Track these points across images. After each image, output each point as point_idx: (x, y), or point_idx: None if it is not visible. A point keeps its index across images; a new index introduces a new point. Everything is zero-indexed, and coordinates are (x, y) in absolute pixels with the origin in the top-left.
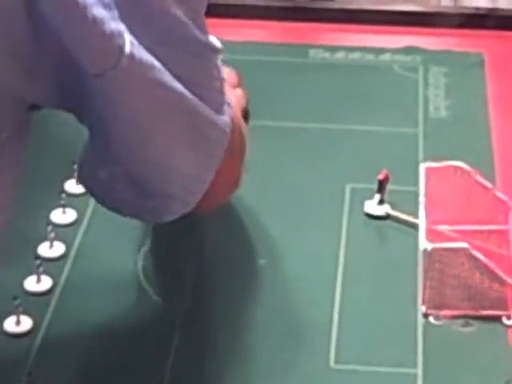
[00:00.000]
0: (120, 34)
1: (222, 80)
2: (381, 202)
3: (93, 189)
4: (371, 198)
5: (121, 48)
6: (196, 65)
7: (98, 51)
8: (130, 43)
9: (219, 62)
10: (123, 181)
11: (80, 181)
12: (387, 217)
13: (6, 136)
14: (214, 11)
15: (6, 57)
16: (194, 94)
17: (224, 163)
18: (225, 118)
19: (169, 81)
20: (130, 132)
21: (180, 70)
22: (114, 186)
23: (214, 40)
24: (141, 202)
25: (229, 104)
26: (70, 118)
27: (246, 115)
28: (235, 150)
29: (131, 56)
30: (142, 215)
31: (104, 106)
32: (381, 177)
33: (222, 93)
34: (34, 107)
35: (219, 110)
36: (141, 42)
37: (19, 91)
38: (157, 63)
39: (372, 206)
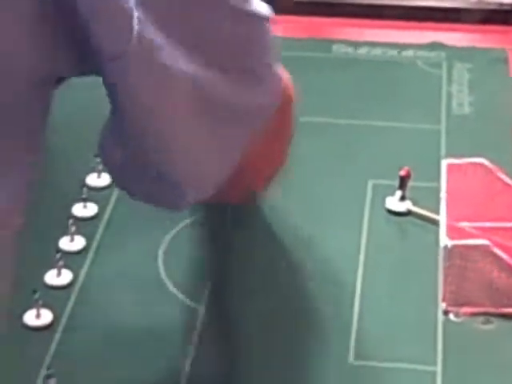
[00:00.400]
0: (131, 11)
1: (272, 50)
2: (402, 198)
3: (110, 168)
4: (393, 194)
5: (131, 27)
6: (245, 34)
7: (115, 27)
8: (137, 21)
9: (269, 31)
10: (137, 163)
11: (100, 158)
12: (408, 213)
13: (29, 109)
14: None
15: (27, 32)
16: (227, 69)
17: (266, 144)
18: (271, 95)
19: (179, 63)
20: (140, 115)
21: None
22: (129, 167)
23: (262, 7)
24: (154, 187)
25: (279, 78)
26: None
27: None
28: (280, 131)
29: (139, 36)
30: (155, 199)
31: (117, 91)
32: (402, 173)
33: (270, 64)
34: (59, 80)
35: (266, 85)
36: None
37: (42, 66)
38: (167, 46)
39: (393, 203)
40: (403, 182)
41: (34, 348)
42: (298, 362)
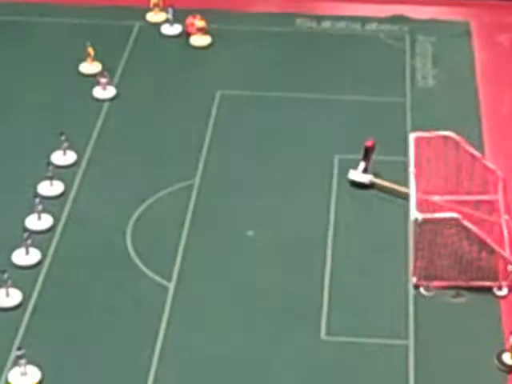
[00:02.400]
0: None
1: None
2: (365, 170)
3: None
4: (358, 166)
5: None
6: None
7: None
8: None
9: None
10: None
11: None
12: (372, 185)
13: None
14: None
15: None
16: None
17: None
18: None
19: None
20: None
21: None
22: None
23: None
24: None
25: None
26: None
27: None
28: None
29: None
30: None
31: None
32: (368, 143)
33: None
34: None
35: None
36: None
37: None
38: None
39: (356, 174)
40: (367, 154)
41: (4, 328)
42: (270, 337)
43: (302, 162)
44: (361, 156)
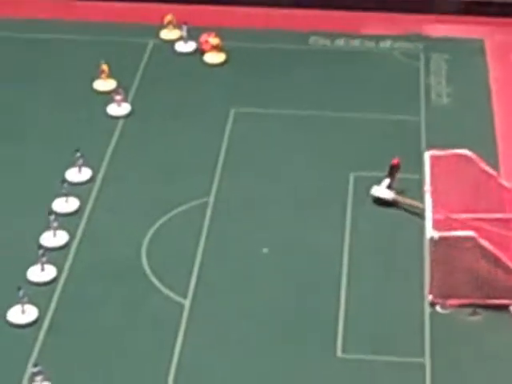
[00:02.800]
0: None
1: None
2: (389, 186)
3: None
4: (377, 184)
5: None
6: None
7: None
8: None
9: None
10: None
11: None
12: (394, 203)
13: None
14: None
15: None
16: None
17: None
18: None
19: None
20: None
21: None
22: None
23: None
24: None
25: None
26: None
27: None
28: None
29: None
30: None
31: None
32: (394, 162)
33: None
34: None
35: None
36: None
37: None
38: None
39: (380, 190)
40: (392, 171)
41: (20, 345)
42: (286, 356)
43: (317, 180)
44: (384, 173)
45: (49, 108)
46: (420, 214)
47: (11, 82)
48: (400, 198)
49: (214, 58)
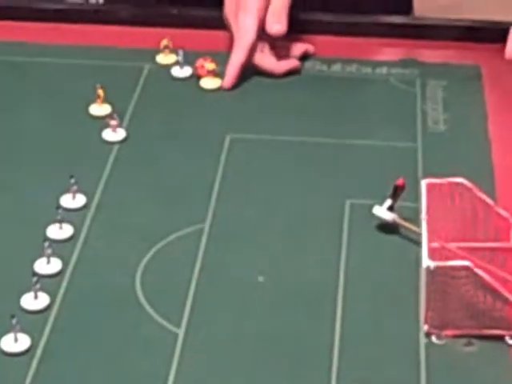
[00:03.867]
0: None
1: None
2: (391, 208)
3: None
4: (370, 212)
5: None
6: None
7: None
8: None
9: None
10: None
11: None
12: (393, 224)
13: None
14: (209, 24)
15: None
16: None
17: None
18: None
19: None
20: None
21: None
22: None
23: None
24: None
25: None
26: None
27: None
28: None
29: None
30: None
31: None
32: (399, 182)
33: None
34: None
35: None
36: None
37: None
38: None
39: (381, 210)
40: (396, 193)
41: (13, 373)
42: None
43: (313, 207)
44: (375, 203)
45: (43, 132)
46: (417, 241)
47: (5, 105)
48: (399, 220)
49: (209, 83)
